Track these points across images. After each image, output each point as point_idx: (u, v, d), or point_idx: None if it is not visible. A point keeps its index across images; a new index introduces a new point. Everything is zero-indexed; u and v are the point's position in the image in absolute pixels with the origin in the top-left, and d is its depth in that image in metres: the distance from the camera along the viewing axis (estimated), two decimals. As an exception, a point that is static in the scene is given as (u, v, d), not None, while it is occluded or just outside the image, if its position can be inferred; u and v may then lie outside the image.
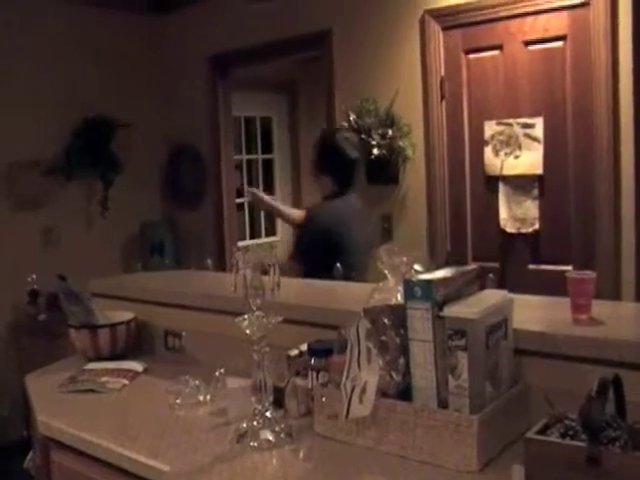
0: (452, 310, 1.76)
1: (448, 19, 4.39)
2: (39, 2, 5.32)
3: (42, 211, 5.36)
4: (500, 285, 3.64)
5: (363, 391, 1.84)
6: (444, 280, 1.83)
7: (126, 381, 2.65)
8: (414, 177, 4.60)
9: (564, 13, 3.96)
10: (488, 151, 4.26)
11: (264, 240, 7.52)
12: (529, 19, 4.08)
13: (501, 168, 4.20)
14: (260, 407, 1.97)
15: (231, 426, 2.07)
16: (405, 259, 1.97)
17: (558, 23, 3.99)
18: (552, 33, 4.02)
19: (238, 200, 6.64)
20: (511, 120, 4.17)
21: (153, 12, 6.13)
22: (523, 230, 4.17)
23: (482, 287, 1.99)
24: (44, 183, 5.33)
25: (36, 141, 5.30)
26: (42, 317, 5.04)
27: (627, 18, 3.68)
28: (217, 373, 2.38)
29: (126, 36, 5.95)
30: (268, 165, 7.73)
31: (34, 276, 5.06)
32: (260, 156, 7.64)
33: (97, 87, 5.67)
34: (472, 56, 4.36)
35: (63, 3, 5.45)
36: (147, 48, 6.11)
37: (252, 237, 7.48)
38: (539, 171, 4.10)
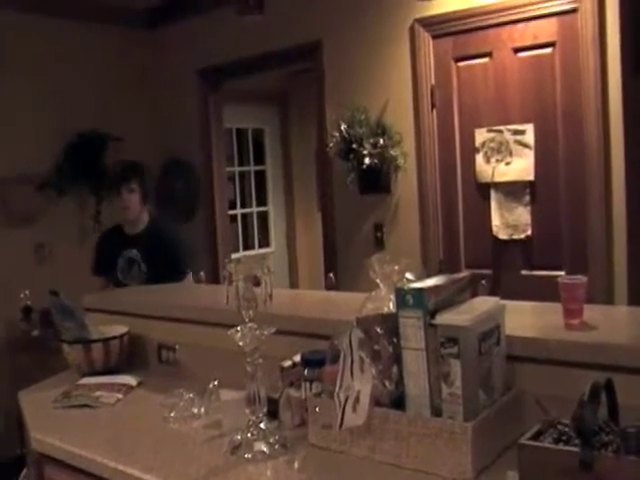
0: (444, 318, 1.76)
1: (438, 27, 4.40)
2: (31, 16, 5.32)
3: (35, 227, 5.35)
4: (493, 292, 3.65)
5: (357, 400, 1.84)
6: (436, 288, 1.83)
7: (120, 395, 2.64)
8: (406, 186, 4.61)
9: (553, 20, 3.97)
10: (479, 158, 4.26)
11: (257, 252, 7.52)
12: (519, 26, 4.09)
13: (492, 175, 4.21)
14: (254, 418, 1.97)
15: (225, 438, 2.07)
16: (397, 268, 1.97)
17: (547, 30, 4.00)
18: (541, 40, 4.04)
19: (231, 212, 6.65)
20: (502, 127, 4.18)
21: (144, 26, 6.15)
22: (515, 236, 4.18)
23: (474, 294, 1.99)
24: (37, 198, 5.32)
25: (29, 156, 5.29)
26: (35, 333, 5.02)
27: (615, 23, 3.68)
28: (211, 385, 2.37)
29: (118, 50, 5.96)
30: (261, 177, 7.73)
31: (27, 292, 5.04)
32: (252, 168, 7.64)
33: (90, 101, 5.67)
34: (462, 64, 4.37)
35: (55, 17, 5.45)
36: (139, 62, 6.12)
37: (245, 249, 7.47)
38: (530, 177, 4.11)
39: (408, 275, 1.97)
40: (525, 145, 4.10)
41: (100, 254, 4.48)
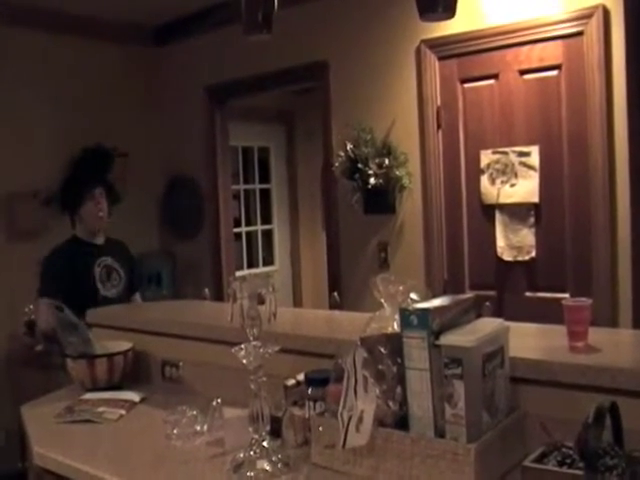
0: (448, 339, 1.76)
1: (444, 49, 4.42)
2: (37, 33, 5.36)
3: (40, 241, 5.34)
4: (497, 313, 3.65)
5: (360, 420, 1.84)
6: (440, 309, 1.84)
7: (123, 411, 2.64)
8: (411, 206, 4.62)
9: (559, 43, 3.99)
10: (484, 180, 4.27)
11: (261, 270, 7.51)
12: (524, 48, 4.11)
13: (497, 196, 4.22)
14: (257, 437, 1.97)
15: (228, 456, 2.06)
16: (401, 288, 1.97)
17: (553, 52, 4.02)
18: (547, 62, 4.05)
19: (236, 230, 6.65)
20: (507, 149, 4.19)
21: (151, 43, 6.20)
22: (520, 258, 4.18)
23: (479, 315, 1.99)
24: (42, 213, 5.33)
25: (34, 171, 5.31)
26: (39, 347, 5.00)
27: (620, 47, 3.71)
28: (214, 403, 2.37)
29: (125, 66, 6.00)
30: (266, 195, 7.75)
31: (31, 306, 5.04)
32: (257, 186, 7.65)
33: (96, 117, 5.70)
34: (468, 85, 4.38)
35: (62, 34, 5.49)
36: (145, 78, 6.15)
37: (249, 267, 7.47)
38: (535, 199, 4.11)
39: (413, 295, 1.98)
40: (530, 167, 4.11)
41: (63, 270, 3.99)
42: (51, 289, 3.89)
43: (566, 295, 3.77)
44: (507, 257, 4.22)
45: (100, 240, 4.20)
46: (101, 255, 4.13)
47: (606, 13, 3.80)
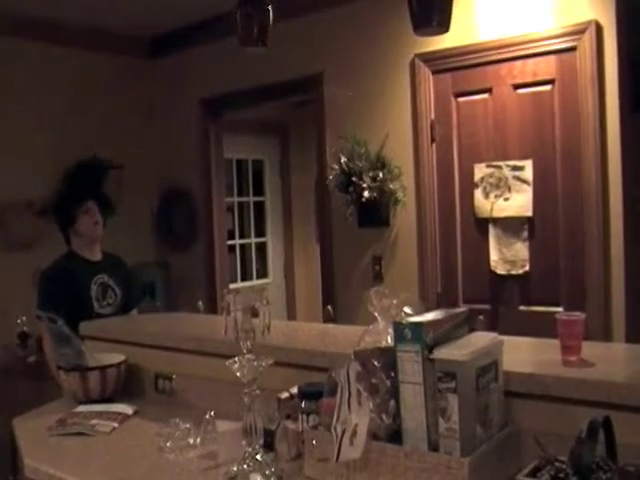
0: (442, 352, 1.76)
1: (438, 63, 4.45)
2: (33, 44, 5.37)
3: (34, 252, 5.34)
4: (491, 327, 3.65)
5: (354, 434, 1.83)
6: (434, 322, 1.84)
7: (116, 424, 2.63)
8: (405, 219, 4.62)
9: (552, 57, 4.02)
10: (478, 193, 4.28)
11: (255, 282, 7.50)
12: (518, 63, 4.14)
13: (491, 210, 4.23)
14: (250, 450, 1.96)
15: (221, 469, 2.06)
16: (395, 301, 1.97)
17: (546, 67, 4.04)
18: (541, 77, 4.08)
19: (229, 242, 6.65)
20: (501, 163, 4.21)
21: (147, 55, 6.21)
22: (513, 272, 4.18)
23: (472, 329, 2.00)
24: (36, 224, 5.32)
25: (29, 181, 5.30)
26: (32, 359, 4.99)
27: (613, 62, 3.73)
28: (207, 416, 2.36)
29: (119, 79, 6.00)
30: (260, 207, 7.74)
31: (24, 318, 5.03)
32: (252, 198, 7.65)
33: (91, 128, 5.70)
34: (462, 99, 4.40)
35: (57, 46, 5.50)
36: (141, 90, 6.16)
37: (243, 279, 7.46)
38: (529, 213, 4.12)
39: (406, 309, 1.98)
40: (524, 181, 4.12)
41: (60, 286, 3.89)
42: (49, 305, 3.74)
43: (560, 309, 3.78)
44: (501, 271, 4.23)
45: (97, 256, 4.11)
46: (98, 272, 4.04)
47: (599, 29, 3.83)
